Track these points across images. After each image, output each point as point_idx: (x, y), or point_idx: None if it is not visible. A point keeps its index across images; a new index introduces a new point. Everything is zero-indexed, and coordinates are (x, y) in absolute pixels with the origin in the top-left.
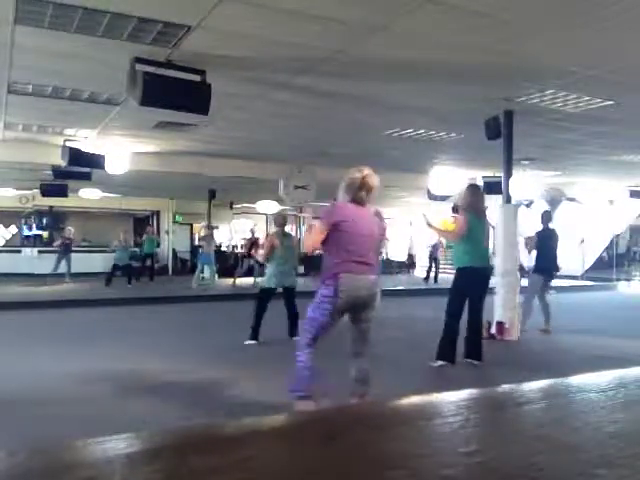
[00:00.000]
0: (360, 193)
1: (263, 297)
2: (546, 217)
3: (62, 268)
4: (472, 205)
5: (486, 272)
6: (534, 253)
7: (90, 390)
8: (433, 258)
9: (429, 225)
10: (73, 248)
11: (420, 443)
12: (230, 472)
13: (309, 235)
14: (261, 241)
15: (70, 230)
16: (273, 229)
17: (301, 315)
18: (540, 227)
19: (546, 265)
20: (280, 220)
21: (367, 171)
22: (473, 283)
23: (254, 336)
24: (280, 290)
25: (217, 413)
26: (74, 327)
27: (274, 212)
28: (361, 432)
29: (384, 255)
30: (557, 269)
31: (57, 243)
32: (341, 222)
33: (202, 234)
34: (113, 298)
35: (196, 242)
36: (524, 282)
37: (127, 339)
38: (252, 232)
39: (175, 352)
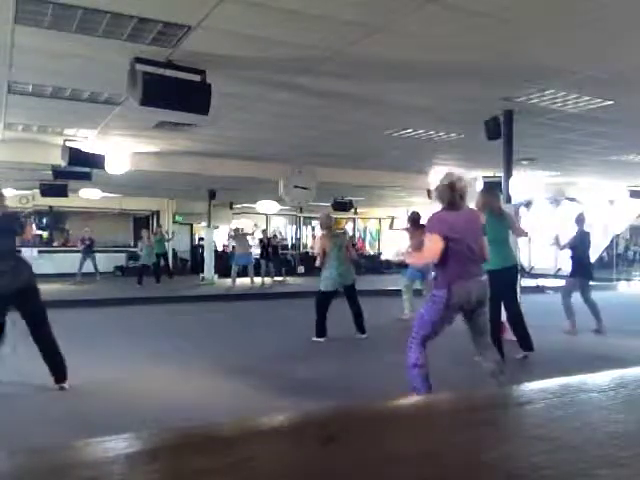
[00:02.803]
0: (454, 198)
1: (323, 300)
2: (581, 220)
3: (87, 267)
4: (487, 206)
5: (510, 270)
6: (568, 254)
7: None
8: None
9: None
10: (70, 248)
11: (420, 443)
12: (230, 472)
13: (427, 248)
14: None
15: (87, 229)
16: (322, 231)
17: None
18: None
19: (581, 268)
20: (327, 221)
21: (456, 175)
22: (500, 283)
23: (321, 333)
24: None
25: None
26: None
27: (322, 213)
28: (361, 432)
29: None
30: (591, 270)
31: (79, 246)
32: (446, 232)
33: (232, 234)
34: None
35: (221, 247)
36: (524, 282)
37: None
38: (264, 233)
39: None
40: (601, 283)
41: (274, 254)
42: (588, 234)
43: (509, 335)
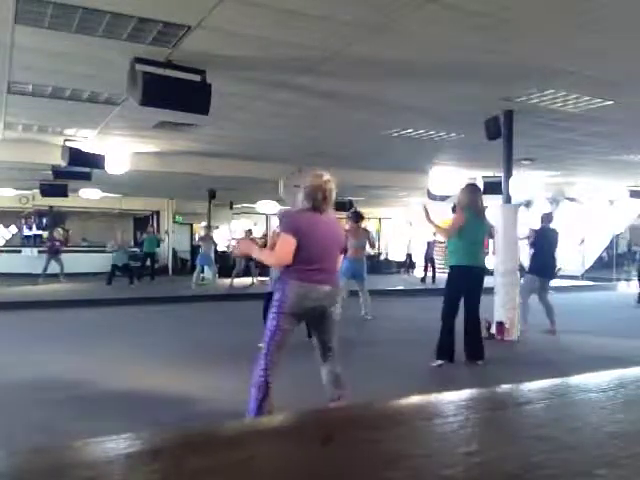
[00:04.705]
0: (319, 200)
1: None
2: (546, 218)
3: (53, 269)
4: (470, 204)
5: (478, 271)
6: (531, 252)
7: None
8: (428, 257)
9: (428, 218)
10: (70, 248)
11: (420, 443)
12: (230, 472)
13: (279, 248)
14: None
15: (59, 231)
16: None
17: None
18: (539, 227)
19: (541, 265)
20: None
21: (327, 176)
22: (466, 281)
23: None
24: None
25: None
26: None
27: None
28: (361, 432)
29: (383, 255)
30: (554, 270)
31: (47, 245)
32: (298, 231)
33: (201, 234)
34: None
35: (196, 242)
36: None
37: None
38: (249, 232)
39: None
40: (601, 283)
41: None
42: (553, 231)
43: (508, 336)
